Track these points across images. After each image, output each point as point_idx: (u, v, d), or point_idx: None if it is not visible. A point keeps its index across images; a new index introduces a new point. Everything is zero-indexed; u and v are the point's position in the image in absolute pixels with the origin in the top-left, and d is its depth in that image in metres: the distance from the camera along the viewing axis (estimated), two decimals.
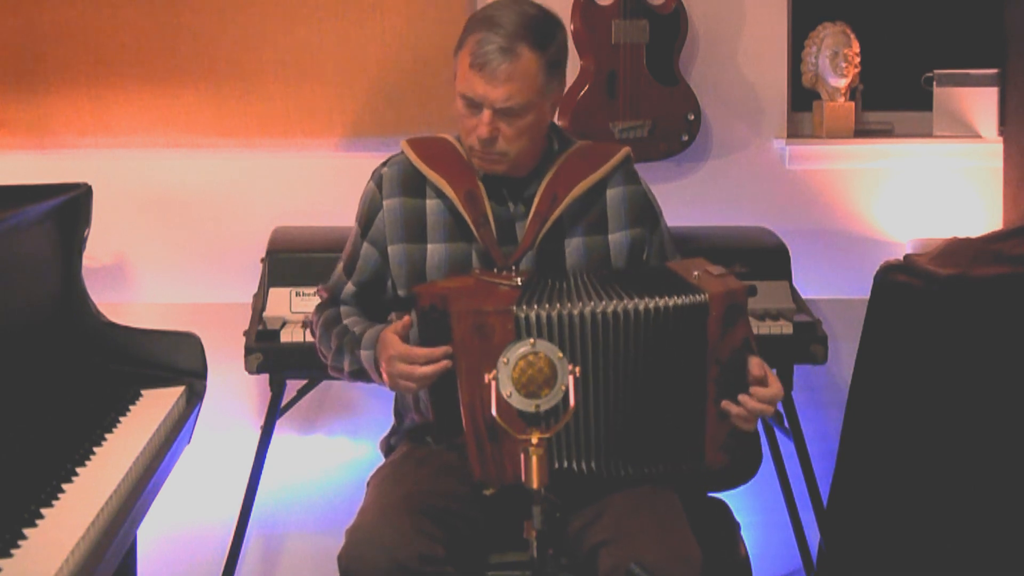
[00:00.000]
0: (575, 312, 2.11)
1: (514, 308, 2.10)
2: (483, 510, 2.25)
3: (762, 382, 2.16)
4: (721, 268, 2.25)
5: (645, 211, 2.43)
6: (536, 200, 2.34)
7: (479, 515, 2.27)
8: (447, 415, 2.18)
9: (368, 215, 2.42)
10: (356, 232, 2.45)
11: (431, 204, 2.38)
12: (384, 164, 2.44)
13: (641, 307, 2.13)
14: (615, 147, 2.44)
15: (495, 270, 2.29)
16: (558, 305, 2.11)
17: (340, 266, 2.48)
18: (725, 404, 2.15)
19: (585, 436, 2.16)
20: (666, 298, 2.14)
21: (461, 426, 2.15)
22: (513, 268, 2.28)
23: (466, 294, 2.16)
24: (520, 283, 2.19)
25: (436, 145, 2.43)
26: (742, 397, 2.15)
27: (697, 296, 2.14)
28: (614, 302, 2.13)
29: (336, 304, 2.47)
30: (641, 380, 2.16)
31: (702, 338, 2.14)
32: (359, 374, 2.35)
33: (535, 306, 2.11)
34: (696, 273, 2.22)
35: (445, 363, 2.13)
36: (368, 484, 2.38)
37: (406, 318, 2.21)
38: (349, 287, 2.45)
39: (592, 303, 2.12)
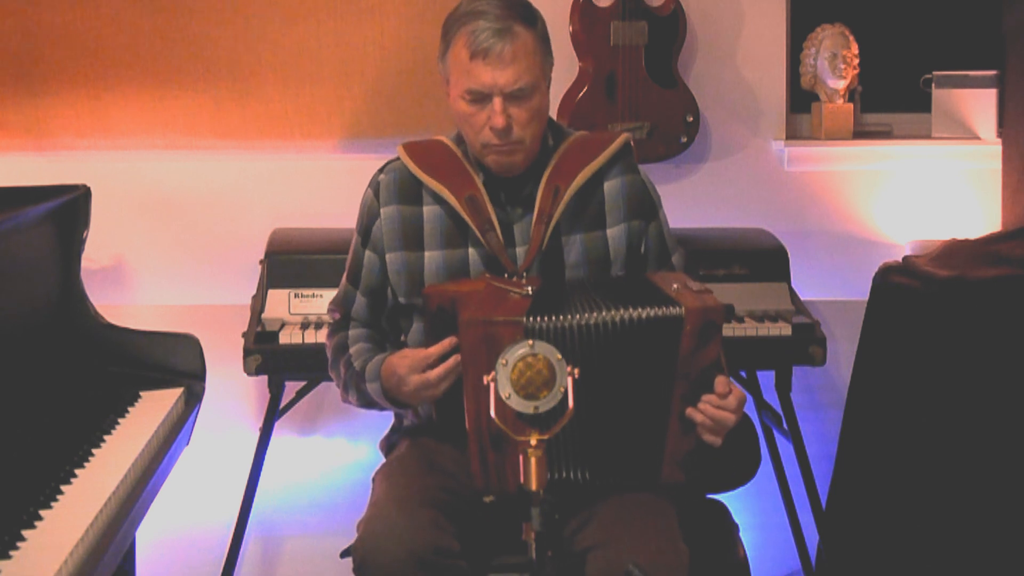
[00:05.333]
0: (581, 323, 2.10)
1: (525, 319, 2.09)
2: (484, 514, 2.24)
3: (724, 396, 2.13)
4: (701, 284, 2.22)
5: (643, 201, 2.40)
6: (538, 198, 2.32)
7: (482, 516, 2.26)
8: (451, 421, 2.18)
9: (367, 223, 2.41)
10: (356, 241, 2.43)
11: (428, 211, 2.37)
12: (381, 170, 2.42)
13: (617, 318, 2.11)
14: (613, 135, 2.42)
15: (505, 275, 2.28)
16: (567, 317, 2.10)
17: (344, 279, 2.46)
18: (689, 411, 2.13)
19: (563, 442, 2.15)
20: (642, 309, 2.11)
21: (465, 431, 2.15)
22: (524, 275, 2.27)
23: (476, 300, 2.14)
24: (531, 292, 2.17)
25: (434, 149, 2.40)
26: (702, 404, 2.13)
27: (673, 309, 2.11)
28: (600, 313, 2.11)
29: (347, 322, 2.45)
30: (612, 390, 2.14)
31: (673, 352, 2.12)
32: (370, 405, 2.35)
33: (545, 317, 2.09)
34: (675, 286, 2.20)
35: (456, 357, 2.12)
36: (373, 480, 2.37)
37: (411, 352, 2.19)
38: (359, 299, 2.43)
39: (587, 314, 2.11)
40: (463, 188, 2.33)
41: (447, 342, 2.14)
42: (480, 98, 2.23)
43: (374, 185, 2.41)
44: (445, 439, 2.33)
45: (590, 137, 2.44)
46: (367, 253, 2.41)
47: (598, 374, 2.12)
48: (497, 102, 2.22)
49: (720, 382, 2.13)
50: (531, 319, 2.08)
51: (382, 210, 2.38)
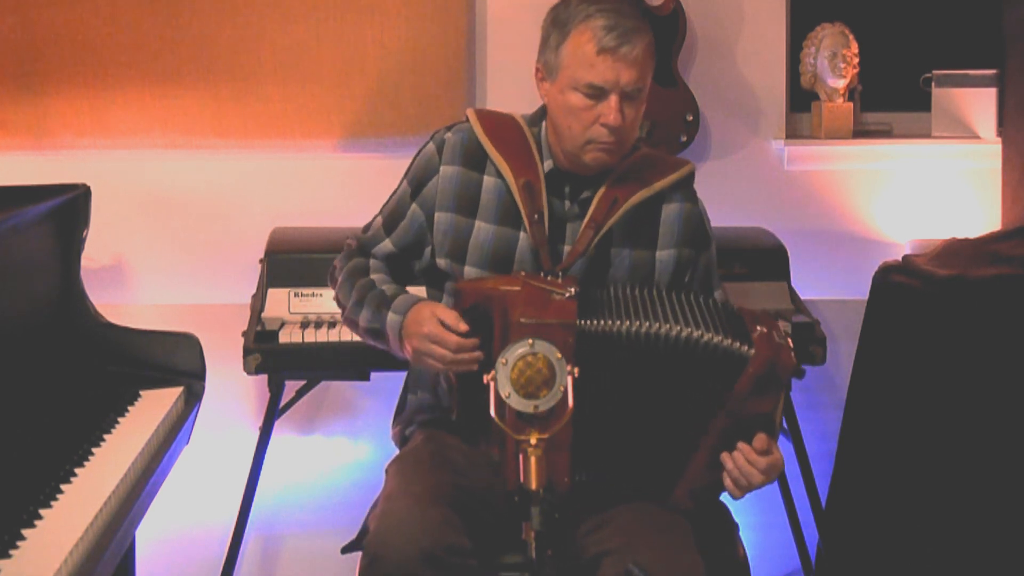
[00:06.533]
0: (634, 330, 2.10)
1: (578, 322, 2.08)
2: (494, 513, 2.23)
3: (763, 453, 2.12)
4: (787, 337, 2.17)
5: (698, 233, 2.40)
6: (594, 205, 2.30)
7: (498, 512, 2.25)
8: (472, 416, 2.17)
9: (423, 176, 2.38)
10: (405, 190, 2.41)
11: (488, 181, 2.35)
12: (448, 129, 2.40)
13: (687, 334, 2.10)
14: (680, 161, 2.43)
15: (541, 274, 2.24)
16: (618, 321, 2.10)
17: (380, 221, 2.44)
18: (724, 455, 2.12)
19: (586, 440, 2.14)
20: (716, 336, 2.11)
21: (483, 425, 2.13)
22: (560, 275, 2.23)
23: (520, 300, 2.11)
24: (574, 293, 2.13)
25: (505, 124, 2.38)
26: (736, 453, 2.11)
27: (743, 347, 2.10)
28: (673, 325, 2.11)
29: (366, 254, 2.44)
30: (649, 401, 2.14)
31: (728, 387, 2.10)
32: (374, 333, 2.31)
33: (596, 321, 2.09)
34: (760, 328, 2.15)
35: (478, 354, 2.12)
36: (387, 471, 2.35)
37: (453, 319, 2.16)
38: (387, 246, 2.41)
39: (649, 323, 2.11)
40: (523, 171, 2.31)
41: (470, 342, 2.13)
42: (598, 93, 2.21)
43: (438, 141, 2.39)
44: (466, 439, 2.32)
45: (656, 157, 2.44)
46: (413, 206, 2.38)
47: (638, 382, 2.12)
48: (614, 99, 2.21)
49: (760, 439, 2.11)
50: (584, 322, 2.08)
51: (442, 167, 2.36)
